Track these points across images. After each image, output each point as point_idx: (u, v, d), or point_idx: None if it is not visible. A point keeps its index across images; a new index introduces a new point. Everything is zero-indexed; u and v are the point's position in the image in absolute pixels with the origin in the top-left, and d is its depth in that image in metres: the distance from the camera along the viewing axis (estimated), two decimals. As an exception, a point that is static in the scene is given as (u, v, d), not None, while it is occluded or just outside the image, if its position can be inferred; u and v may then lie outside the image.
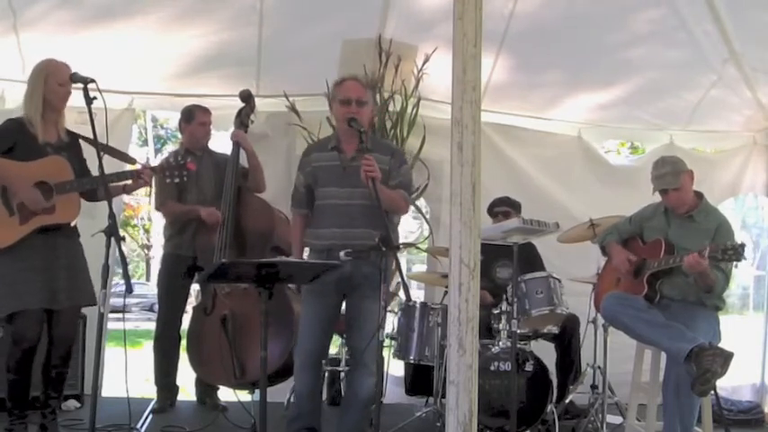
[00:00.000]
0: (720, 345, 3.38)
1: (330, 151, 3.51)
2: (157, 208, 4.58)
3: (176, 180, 3.55)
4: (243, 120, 4.34)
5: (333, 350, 4.58)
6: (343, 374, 4.62)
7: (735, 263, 3.38)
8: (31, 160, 3.38)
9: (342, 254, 3.26)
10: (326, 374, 4.61)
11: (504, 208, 4.66)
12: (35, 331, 3.37)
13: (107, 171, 3.21)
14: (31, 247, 3.35)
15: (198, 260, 4.30)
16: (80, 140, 3.60)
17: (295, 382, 3.51)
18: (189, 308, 4.49)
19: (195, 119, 4.44)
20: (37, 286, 3.33)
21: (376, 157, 3.39)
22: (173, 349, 4.44)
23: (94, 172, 3.44)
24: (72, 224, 3.51)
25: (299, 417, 3.48)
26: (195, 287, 4.70)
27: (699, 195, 3.74)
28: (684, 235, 3.65)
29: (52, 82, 3.41)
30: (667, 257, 3.59)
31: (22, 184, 3.34)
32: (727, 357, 3.21)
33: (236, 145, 4.27)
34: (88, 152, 3.59)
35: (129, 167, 3.70)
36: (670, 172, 3.64)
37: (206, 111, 4.48)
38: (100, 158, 3.18)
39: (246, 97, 4.33)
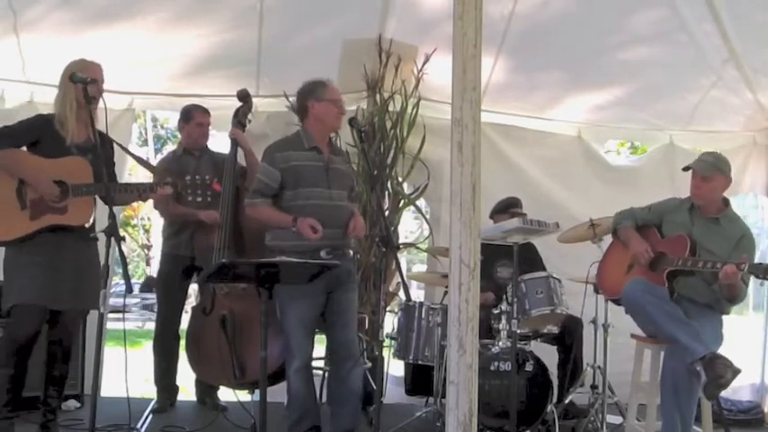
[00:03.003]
0: (722, 348, 3.40)
1: (308, 151, 3.54)
2: (155, 207, 4.58)
3: (198, 199, 3.37)
4: (240, 119, 4.34)
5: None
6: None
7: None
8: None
9: (323, 253, 3.44)
10: (326, 375, 4.59)
11: (519, 210, 4.64)
12: (31, 328, 3.31)
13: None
14: (38, 243, 3.31)
15: (196, 260, 4.30)
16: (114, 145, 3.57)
17: (294, 384, 3.48)
18: (188, 307, 4.48)
19: (193, 119, 4.44)
20: (37, 283, 3.29)
21: (341, 161, 3.69)
22: (172, 349, 4.44)
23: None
24: (87, 226, 3.45)
25: (306, 416, 3.49)
26: (194, 287, 4.70)
27: (726, 202, 3.72)
28: (708, 236, 3.62)
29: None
30: (695, 259, 3.52)
31: (40, 177, 3.30)
32: (735, 372, 3.23)
33: (234, 143, 4.27)
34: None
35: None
36: (710, 162, 3.65)
37: (204, 111, 4.48)
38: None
39: (244, 96, 4.33)
